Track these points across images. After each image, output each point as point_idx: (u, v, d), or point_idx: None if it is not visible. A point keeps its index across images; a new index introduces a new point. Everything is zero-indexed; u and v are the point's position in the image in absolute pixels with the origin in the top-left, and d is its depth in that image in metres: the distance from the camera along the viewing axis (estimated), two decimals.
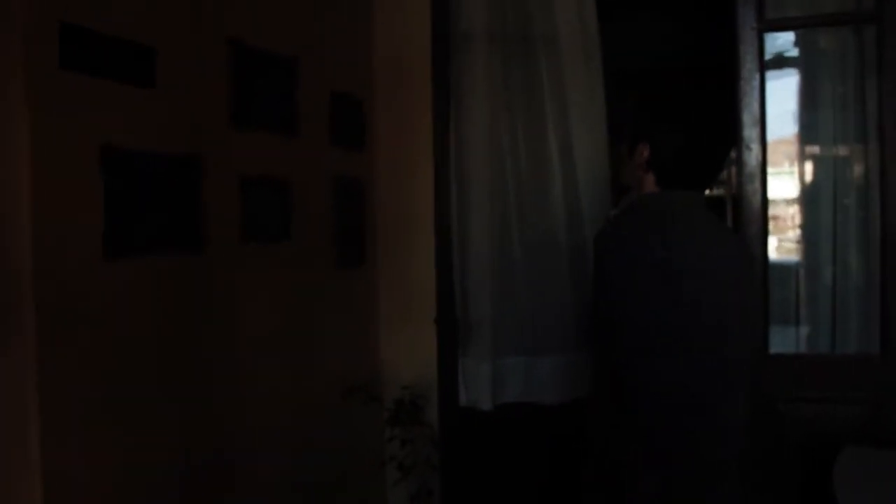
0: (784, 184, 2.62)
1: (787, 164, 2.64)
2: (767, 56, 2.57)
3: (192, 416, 1.95)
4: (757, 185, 2.50)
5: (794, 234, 2.57)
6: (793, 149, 2.62)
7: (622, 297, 1.63)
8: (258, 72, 2.22)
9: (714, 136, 1.69)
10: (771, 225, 2.62)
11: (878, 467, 2.25)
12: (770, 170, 2.58)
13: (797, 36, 2.66)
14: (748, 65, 2.52)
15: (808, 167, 2.65)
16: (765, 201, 2.52)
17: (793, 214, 2.62)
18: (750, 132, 2.50)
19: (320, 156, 2.53)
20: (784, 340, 2.74)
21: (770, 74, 2.57)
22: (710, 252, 1.62)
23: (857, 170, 2.58)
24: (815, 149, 2.65)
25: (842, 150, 2.60)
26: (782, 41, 2.68)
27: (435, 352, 2.80)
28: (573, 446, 2.81)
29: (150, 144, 1.81)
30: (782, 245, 4.07)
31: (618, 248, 1.66)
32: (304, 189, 2.41)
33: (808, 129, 2.63)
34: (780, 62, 2.75)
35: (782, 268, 3.05)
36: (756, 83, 2.50)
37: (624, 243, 1.66)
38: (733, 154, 2.17)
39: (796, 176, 2.66)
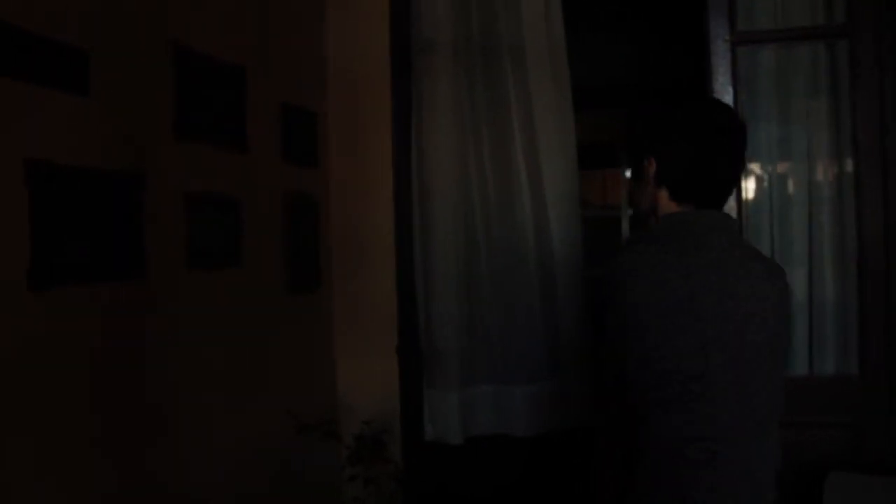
0: (758, 199, 2.53)
1: (761, 180, 2.55)
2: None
3: (129, 465, 1.73)
4: (731, 200, 2.42)
5: (768, 250, 2.48)
6: (766, 164, 2.54)
7: (639, 338, 1.44)
8: (204, 80, 2.04)
9: (721, 143, 1.53)
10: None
11: (866, 494, 2.17)
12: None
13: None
14: (720, 78, 2.47)
15: (782, 182, 2.57)
16: (739, 216, 2.46)
17: (768, 230, 2.52)
18: None
19: (271, 172, 2.35)
20: None
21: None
22: (738, 287, 1.43)
23: (832, 185, 2.51)
24: (788, 164, 2.58)
25: (816, 166, 2.53)
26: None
27: (397, 383, 2.63)
28: (548, 481, 2.70)
29: (83, 158, 1.61)
30: None
31: (634, 280, 1.45)
32: (254, 208, 2.23)
33: (782, 144, 2.56)
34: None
35: None
36: (729, 97, 2.44)
37: (642, 275, 1.45)
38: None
39: (770, 192, 2.58)
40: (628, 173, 4.93)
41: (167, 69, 1.89)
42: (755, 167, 2.57)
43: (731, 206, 2.39)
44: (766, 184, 2.58)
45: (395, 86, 2.65)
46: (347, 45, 2.68)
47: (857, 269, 2.41)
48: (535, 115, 2.61)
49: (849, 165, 2.45)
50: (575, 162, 2.67)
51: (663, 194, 1.56)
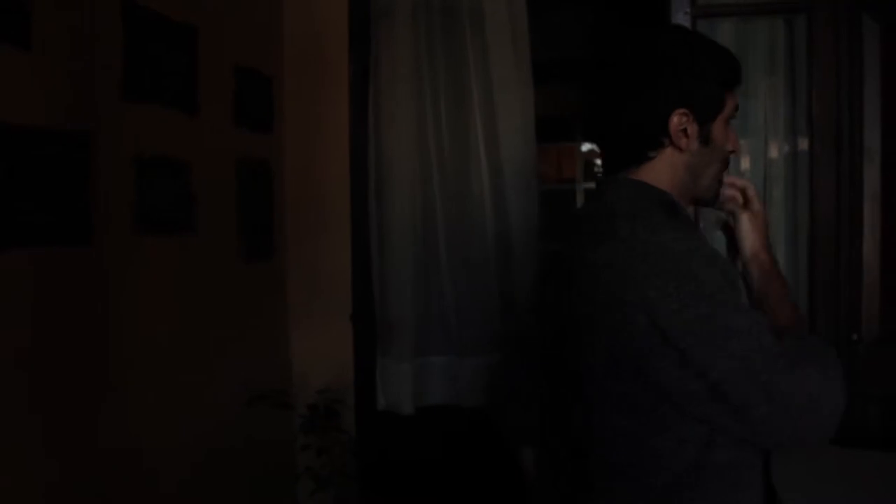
0: None
1: None
2: None
3: (76, 434, 1.68)
4: None
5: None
6: None
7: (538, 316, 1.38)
8: (154, 39, 1.96)
9: (618, 86, 1.25)
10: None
11: (816, 468, 2.20)
12: None
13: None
14: None
15: (738, 158, 2.58)
16: None
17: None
18: None
19: (223, 136, 2.29)
20: None
21: None
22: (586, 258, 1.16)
23: (787, 161, 2.52)
24: (745, 139, 2.58)
25: (772, 141, 2.54)
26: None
27: (352, 352, 2.60)
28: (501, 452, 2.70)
29: (24, 116, 1.53)
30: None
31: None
32: (206, 173, 2.16)
33: (739, 119, 2.56)
34: None
35: None
36: None
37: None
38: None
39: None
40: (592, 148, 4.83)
41: (115, 26, 1.81)
42: None
43: None
44: None
45: (353, 51, 2.60)
46: (304, 7, 2.61)
47: (809, 244, 2.42)
48: (494, 82, 2.56)
49: (804, 143, 2.46)
50: (533, 132, 2.63)
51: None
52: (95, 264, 1.74)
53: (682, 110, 1.19)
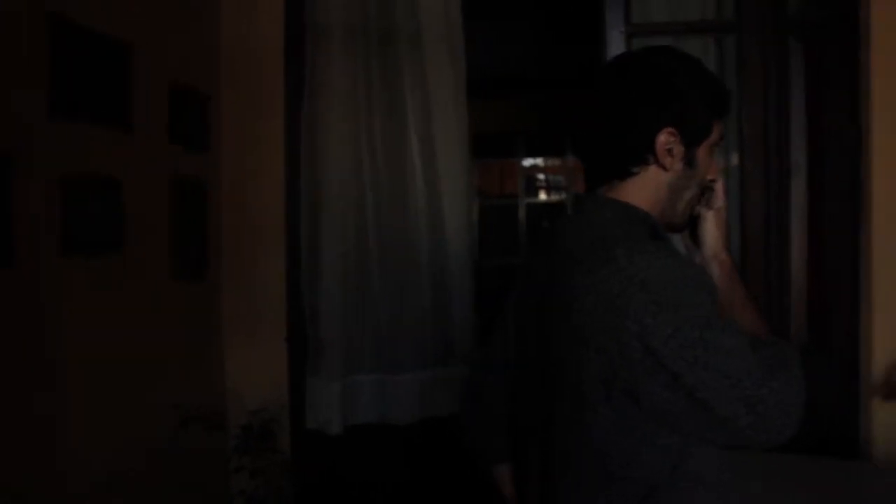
0: None
1: None
2: None
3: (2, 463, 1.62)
4: None
5: None
6: None
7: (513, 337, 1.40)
8: (85, 56, 1.92)
9: (597, 109, 1.26)
10: None
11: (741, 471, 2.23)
12: None
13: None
14: None
15: None
16: None
17: None
18: None
19: (157, 154, 2.25)
20: None
21: None
22: (563, 282, 1.17)
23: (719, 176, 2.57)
24: None
25: None
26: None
27: (286, 373, 2.56)
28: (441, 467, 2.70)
29: None
30: None
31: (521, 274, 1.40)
32: (138, 192, 2.12)
33: None
34: None
35: None
36: None
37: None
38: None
39: None
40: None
41: (41, 42, 1.77)
42: None
43: None
44: None
45: (289, 70, 2.59)
46: (241, 26, 2.59)
47: (740, 255, 2.47)
48: (432, 102, 2.58)
49: (735, 158, 2.52)
50: (467, 149, 2.65)
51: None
52: (19, 285, 1.69)
53: (670, 129, 1.20)
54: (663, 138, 1.20)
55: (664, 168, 1.22)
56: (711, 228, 1.33)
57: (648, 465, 1.13)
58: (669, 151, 1.20)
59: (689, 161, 1.23)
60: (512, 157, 6.39)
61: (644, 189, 1.23)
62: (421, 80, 2.59)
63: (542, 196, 6.58)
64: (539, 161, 6.65)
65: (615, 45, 2.47)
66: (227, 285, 2.59)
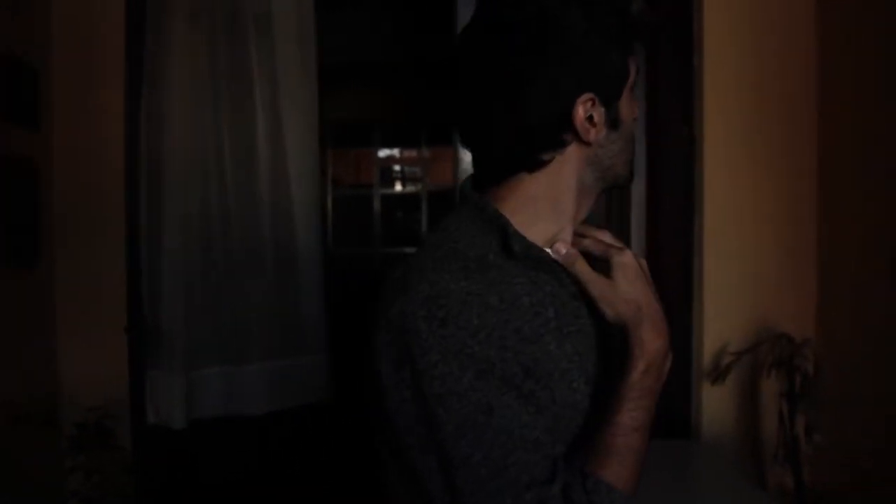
0: None
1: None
2: None
3: None
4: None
5: None
6: None
7: None
8: None
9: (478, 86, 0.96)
10: None
11: None
12: None
13: None
14: None
15: None
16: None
17: None
18: None
19: None
20: None
21: None
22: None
23: None
24: None
25: None
26: None
27: (127, 366, 2.44)
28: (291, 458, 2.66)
29: None
30: None
31: None
32: None
33: None
34: None
35: None
36: None
37: None
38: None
39: None
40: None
41: None
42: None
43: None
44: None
45: (130, 46, 2.44)
46: None
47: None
48: (281, 87, 2.53)
49: None
50: (316, 136, 2.62)
51: None
52: None
53: (586, 96, 0.92)
54: (581, 110, 0.91)
55: (587, 143, 0.94)
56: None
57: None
58: (590, 120, 0.93)
59: (613, 122, 0.96)
60: (368, 146, 6.35)
61: (563, 175, 0.96)
62: (270, 64, 2.53)
63: (398, 187, 6.58)
64: (395, 152, 6.65)
65: None
66: (63, 273, 2.43)
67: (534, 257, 0.94)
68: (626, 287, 0.92)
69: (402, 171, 6.67)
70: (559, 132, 0.93)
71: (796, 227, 2.32)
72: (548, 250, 0.95)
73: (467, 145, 1.01)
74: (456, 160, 2.49)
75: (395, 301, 0.88)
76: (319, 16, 2.60)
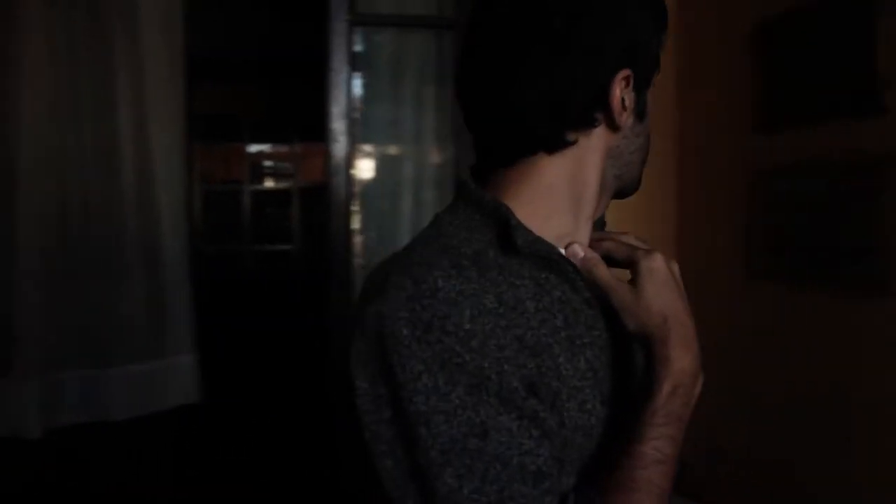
0: (372, 179, 2.62)
1: (375, 160, 2.65)
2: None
3: None
4: (342, 177, 2.49)
5: (377, 229, 2.60)
6: (380, 144, 2.65)
7: None
8: None
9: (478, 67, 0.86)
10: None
11: None
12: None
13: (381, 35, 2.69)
14: (338, 56, 2.50)
15: (394, 163, 2.69)
16: (349, 194, 2.51)
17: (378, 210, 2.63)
18: (338, 124, 2.49)
19: None
20: None
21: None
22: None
23: (439, 168, 2.68)
24: (399, 146, 2.70)
25: (425, 149, 2.68)
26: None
27: None
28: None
29: None
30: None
31: None
32: None
33: (395, 126, 2.67)
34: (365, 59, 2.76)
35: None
36: (344, 76, 2.49)
37: None
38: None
39: (382, 172, 2.68)
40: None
41: None
42: (369, 147, 2.65)
43: (341, 179, 2.45)
44: (378, 164, 2.69)
45: None
46: None
47: None
48: (145, 79, 2.44)
49: (451, 150, 2.61)
50: (184, 131, 2.53)
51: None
52: None
53: (625, 72, 0.82)
54: (618, 89, 0.81)
55: (616, 129, 0.84)
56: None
57: None
58: (623, 103, 0.82)
59: (641, 112, 0.87)
60: (238, 141, 6.21)
61: (587, 164, 0.85)
62: (134, 56, 2.43)
63: (269, 183, 6.46)
64: (266, 147, 6.53)
65: (339, 32, 2.48)
66: None
67: (541, 254, 0.81)
68: (653, 295, 0.79)
69: (273, 167, 6.57)
70: (593, 108, 0.82)
71: None
72: (560, 249, 0.84)
73: (477, 121, 0.87)
74: (328, 156, 2.48)
75: (372, 303, 0.75)
76: (189, 7, 2.52)
